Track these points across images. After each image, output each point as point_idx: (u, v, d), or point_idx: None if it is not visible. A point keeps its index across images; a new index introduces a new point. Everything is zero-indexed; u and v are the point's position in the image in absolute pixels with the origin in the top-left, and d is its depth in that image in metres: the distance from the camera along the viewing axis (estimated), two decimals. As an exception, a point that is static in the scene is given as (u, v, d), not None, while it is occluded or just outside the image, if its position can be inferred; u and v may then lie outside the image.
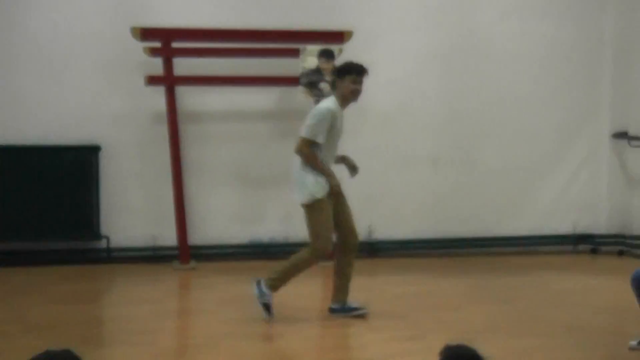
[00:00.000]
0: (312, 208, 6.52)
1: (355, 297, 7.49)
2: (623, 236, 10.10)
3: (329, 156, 6.60)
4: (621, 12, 10.07)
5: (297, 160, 6.55)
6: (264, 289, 6.51)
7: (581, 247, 10.20)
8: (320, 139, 6.44)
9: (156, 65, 8.94)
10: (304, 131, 6.51)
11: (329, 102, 6.59)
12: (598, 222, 10.21)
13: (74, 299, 7.60)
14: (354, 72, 6.59)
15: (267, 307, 6.51)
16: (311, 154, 6.47)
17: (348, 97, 6.60)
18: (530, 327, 6.60)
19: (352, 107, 9.43)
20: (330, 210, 6.54)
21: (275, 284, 6.55)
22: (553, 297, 7.75)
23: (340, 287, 6.74)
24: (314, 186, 6.49)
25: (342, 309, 6.72)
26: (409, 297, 7.66)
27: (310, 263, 6.63)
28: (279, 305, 6.69)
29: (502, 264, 9.39)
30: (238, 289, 7.95)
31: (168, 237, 9.17)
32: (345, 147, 9.50)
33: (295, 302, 7.24)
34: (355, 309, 6.74)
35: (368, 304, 7.37)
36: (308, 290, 7.52)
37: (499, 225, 9.95)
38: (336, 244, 6.72)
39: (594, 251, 10.15)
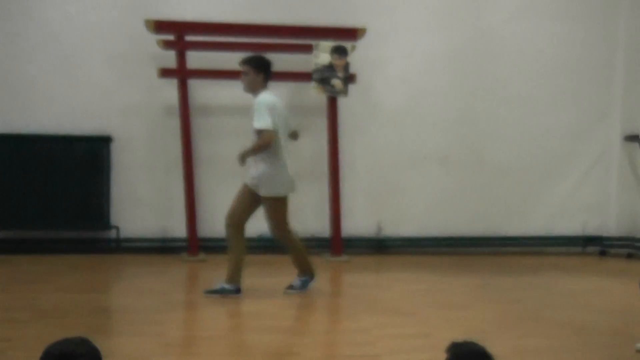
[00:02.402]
0: None
1: (363, 293, 7.49)
2: (632, 239, 10.04)
3: None
4: (634, 13, 10.00)
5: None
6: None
7: (590, 248, 10.15)
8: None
9: (169, 58, 8.94)
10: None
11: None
12: (607, 224, 10.15)
13: (84, 288, 7.60)
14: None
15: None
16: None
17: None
18: (537, 328, 6.57)
19: (361, 107, 9.67)
20: None
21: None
22: (561, 298, 7.71)
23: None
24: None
25: None
26: (417, 295, 7.65)
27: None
28: (287, 301, 6.67)
29: (510, 263, 9.35)
30: (246, 282, 7.95)
31: (177, 228, 9.19)
32: (354, 144, 9.66)
33: (301, 298, 7.24)
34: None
35: (376, 299, 7.39)
36: (314, 286, 7.48)
37: (507, 225, 9.91)
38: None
39: (602, 253, 10.09)
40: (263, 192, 6.88)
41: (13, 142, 8.90)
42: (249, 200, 6.98)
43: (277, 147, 6.89)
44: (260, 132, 6.79)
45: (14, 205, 8.90)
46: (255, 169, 6.89)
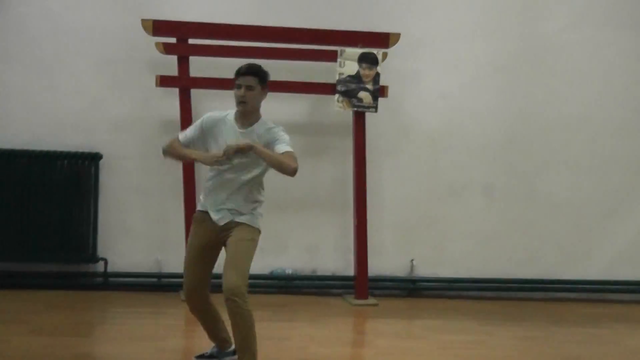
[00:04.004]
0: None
1: (391, 345, 7.34)
2: None
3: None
4: None
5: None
6: None
7: (660, 297, 10.00)
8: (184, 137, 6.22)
9: (169, 65, 8.89)
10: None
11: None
12: (679, 269, 9.99)
13: (63, 330, 7.47)
14: (235, 75, 6.23)
15: None
16: (169, 145, 6.26)
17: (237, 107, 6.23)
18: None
19: (392, 125, 9.56)
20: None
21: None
22: (627, 355, 7.56)
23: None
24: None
25: None
26: (454, 347, 7.49)
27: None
28: (302, 351, 6.47)
29: (565, 312, 9.24)
30: (256, 328, 7.78)
31: (175, 262, 8.96)
32: (384, 170, 9.54)
33: (320, 347, 7.13)
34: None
35: (407, 351, 7.22)
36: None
37: (563, 268, 9.79)
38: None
39: (673, 302, 9.92)
40: (256, 223, 6.42)
41: (-17, 158, 8.89)
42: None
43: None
44: (287, 155, 6.28)
45: (-16, 233, 8.85)
46: (250, 196, 6.39)
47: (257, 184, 6.22)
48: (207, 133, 6.14)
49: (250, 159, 6.07)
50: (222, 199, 6.12)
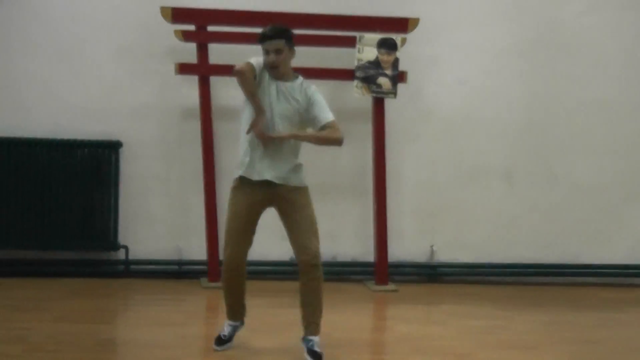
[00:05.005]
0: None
1: (412, 330, 7.35)
2: None
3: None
4: None
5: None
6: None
7: (684, 280, 9.97)
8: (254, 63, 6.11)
9: (188, 52, 8.92)
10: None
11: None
12: None
13: (85, 317, 7.54)
14: (259, 40, 6.22)
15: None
16: (241, 69, 6.06)
17: (269, 71, 6.21)
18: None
19: (411, 111, 9.55)
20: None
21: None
22: (648, 340, 7.58)
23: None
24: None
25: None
26: (475, 332, 7.50)
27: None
28: (322, 338, 6.52)
29: (587, 297, 9.23)
30: (275, 313, 7.86)
31: (196, 250, 9.15)
32: (403, 154, 9.53)
33: (339, 333, 7.15)
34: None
35: (427, 336, 7.25)
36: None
37: (584, 252, 9.78)
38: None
39: (698, 286, 9.89)
40: (298, 182, 6.46)
41: (5, 148, 8.91)
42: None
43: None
44: (329, 126, 6.35)
45: (7, 221, 8.91)
46: (294, 158, 6.43)
47: (297, 145, 6.33)
48: (258, 78, 6.14)
49: (292, 122, 6.21)
50: (267, 163, 6.20)
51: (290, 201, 6.29)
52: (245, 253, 6.39)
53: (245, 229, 6.33)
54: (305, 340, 6.34)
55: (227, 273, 6.43)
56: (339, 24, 9.09)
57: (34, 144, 8.93)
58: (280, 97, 6.21)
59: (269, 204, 6.37)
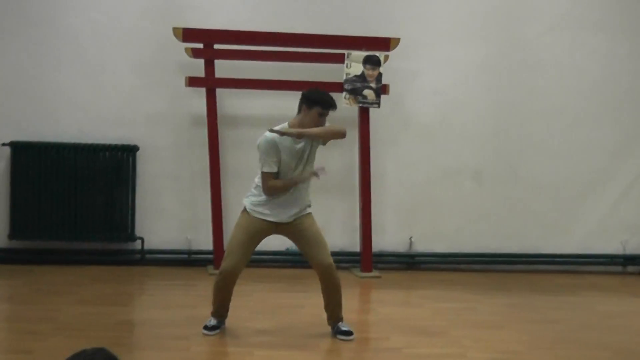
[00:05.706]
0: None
1: (393, 311, 7.40)
2: (675, 258, 9.86)
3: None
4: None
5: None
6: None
7: (630, 268, 9.97)
8: (272, 169, 6.28)
9: (197, 67, 8.93)
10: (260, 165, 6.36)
11: (268, 133, 6.31)
12: (649, 243, 9.97)
13: (106, 300, 7.60)
14: (323, 106, 6.35)
15: None
16: (272, 187, 6.28)
17: (307, 127, 6.32)
18: (573, 350, 6.49)
19: (393, 119, 9.53)
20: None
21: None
22: (598, 320, 7.60)
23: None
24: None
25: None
26: (448, 313, 7.57)
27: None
28: (313, 319, 6.59)
29: (546, 283, 9.23)
30: (274, 297, 7.92)
31: (203, 241, 9.17)
32: (385, 157, 9.55)
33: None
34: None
35: (406, 317, 7.31)
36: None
37: (544, 243, 9.78)
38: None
39: (643, 273, 9.92)
40: (307, 212, 6.58)
41: (37, 150, 8.90)
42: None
43: None
44: (333, 126, 6.54)
45: (37, 215, 8.91)
46: (303, 201, 6.48)
47: (309, 186, 6.54)
48: (278, 150, 6.27)
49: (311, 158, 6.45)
50: (291, 208, 6.38)
51: (298, 227, 6.41)
52: (242, 267, 6.42)
53: (249, 245, 6.38)
54: (334, 327, 6.53)
55: (221, 281, 6.44)
56: (330, 43, 9.11)
57: (62, 148, 8.94)
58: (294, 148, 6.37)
59: (277, 232, 6.49)
